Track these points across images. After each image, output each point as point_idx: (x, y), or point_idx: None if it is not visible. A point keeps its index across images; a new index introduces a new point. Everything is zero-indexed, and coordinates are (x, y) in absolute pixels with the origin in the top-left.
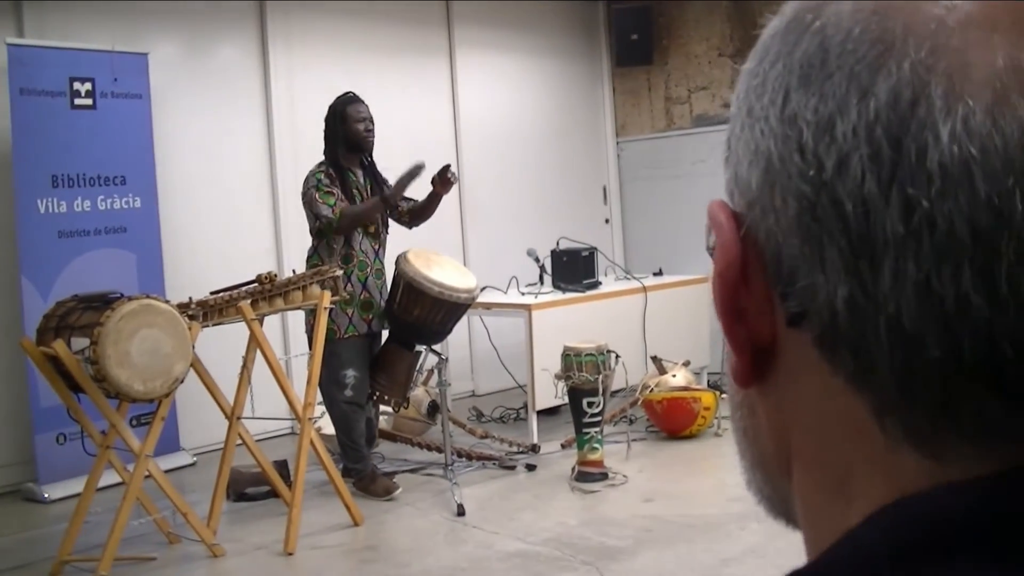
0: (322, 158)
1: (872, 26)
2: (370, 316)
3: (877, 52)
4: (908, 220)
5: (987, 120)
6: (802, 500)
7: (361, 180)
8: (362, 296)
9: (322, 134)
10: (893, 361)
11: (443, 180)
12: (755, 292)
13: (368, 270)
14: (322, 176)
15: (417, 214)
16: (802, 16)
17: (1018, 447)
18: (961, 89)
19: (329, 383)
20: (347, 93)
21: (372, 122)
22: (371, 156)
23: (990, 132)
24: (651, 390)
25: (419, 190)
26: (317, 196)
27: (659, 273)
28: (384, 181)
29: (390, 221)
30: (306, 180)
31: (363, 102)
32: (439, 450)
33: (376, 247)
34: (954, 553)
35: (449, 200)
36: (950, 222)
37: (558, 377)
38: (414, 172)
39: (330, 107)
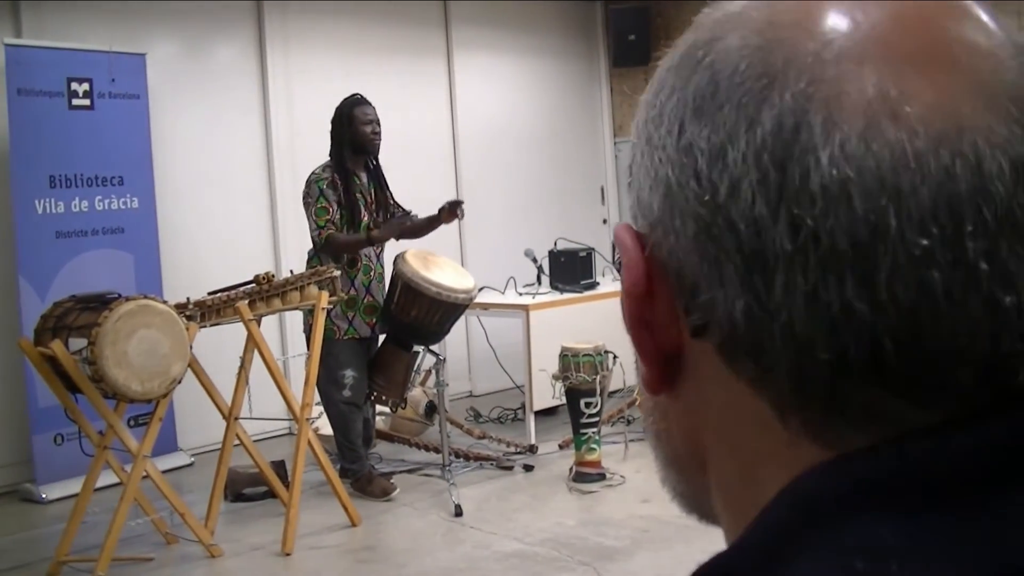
0: (325, 159)
1: (756, 61)
2: (374, 320)
3: (762, 85)
4: (795, 237)
5: (861, 144)
6: (719, 493)
7: (365, 183)
8: (366, 300)
9: (319, 133)
10: (788, 364)
11: (451, 212)
12: (660, 306)
13: (372, 274)
14: (324, 185)
15: (409, 232)
16: (694, 52)
17: (895, 427)
18: (837, 116)
19: (327, 383)
20: (354, 95)
21: (379, 124)
22: (376, 158)
23: (864, 155)
24: None
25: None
26: (315, 204)
27: None
28: (387, 185)
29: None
30: (308, 182)
31: (370, 104)
32: (437, 450)
33: (377, 250)
34: (841, 515)
35: (446, 200)
36: (832, 237)
37: (556, 377)
38: (404, 221)
39: (337, 109)
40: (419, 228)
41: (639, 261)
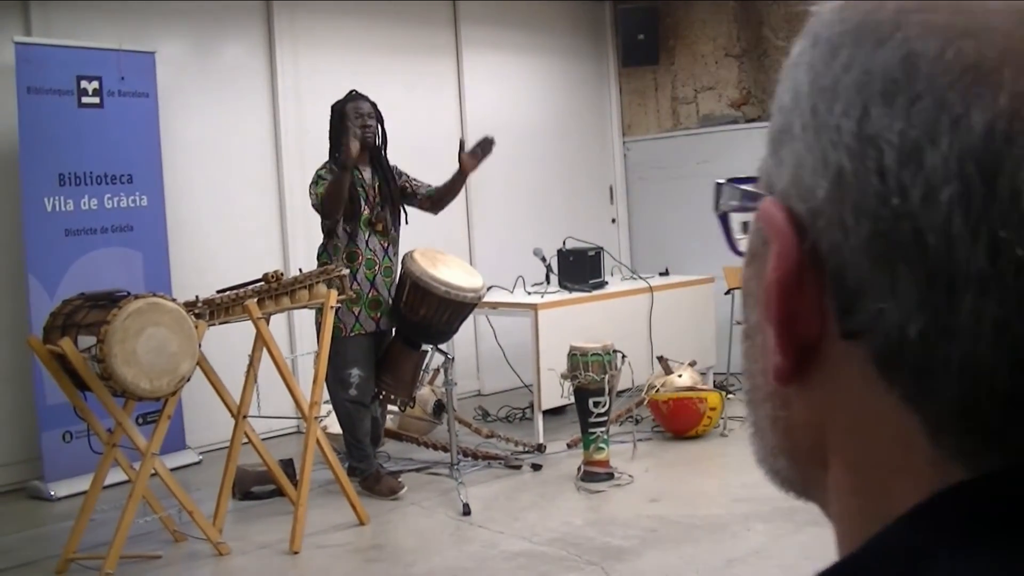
0: (326, 159)
1: (966, 49)
2: (378, 314)
3: (971, 79)
4: (994, 260)
5: None
6: (839, 499)
7: (368, 178)
8: (370, 294)
9: (327, 133)
10: (960, 391)
11: (472, 156)
12: (807, 299)
13: (377, 268)
14: (323, 172)
15: (439, 198)
16: (878, 20)
17: None
18: None
19: (333, 382)
20: (349, 91)
21: (372, 117)
22: (383, 153)
23: None
24: (657, 390)
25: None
26: (314, 190)
27: (665, 273)
28: (399, 173)
29: (403, 217)
30: (312, 178)
31: (364, 99)
32: (445, 449)
33: (385, 245)
34: (975, 543)
35: (456, 199)
36: None
37: (564, 377)
38: (354, 136)
39: (332, 107)
40: (449, 188)
41: (795, 250)
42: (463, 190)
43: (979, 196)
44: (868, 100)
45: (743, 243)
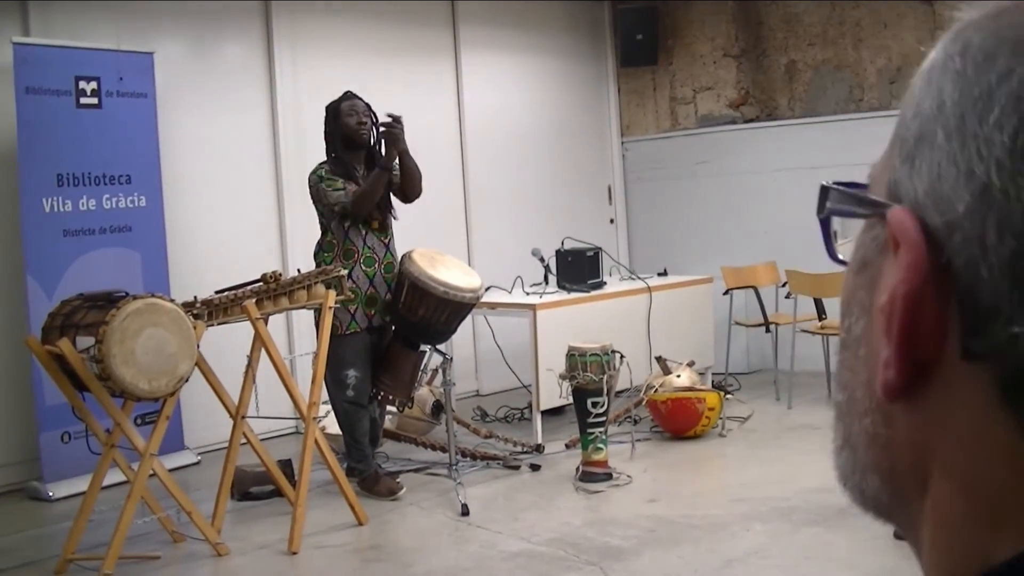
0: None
1: None
2: (373, 311)
3: None
4: None
5: None
6: (939, 524)
7: (364, 177)
8: (368, 292)
9: (323, 133)
10: None
11: (386, 132)
12: (931, 313)
13: (376, 265)
14: (323, 172)
15: (402, 184)
16: None
17: None
18: None
19: (331, 383)
20: (344, 92)
21: (366, 115)
22: (378, 150)
23: None
24: (655, 390)
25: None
26: (322, 187)
27: (664, 273)
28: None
29: (395, 209)
30: (309, 178)
31: (358, 99)
32: (443, 450)
33: (385, 240)
34: None
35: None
36: None
37: (563, 377)
38: (392, 128)
39: (326, 108)
40: (403, 171)
41: (926, 263)
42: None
43: None
44: None
45: (844, 249)
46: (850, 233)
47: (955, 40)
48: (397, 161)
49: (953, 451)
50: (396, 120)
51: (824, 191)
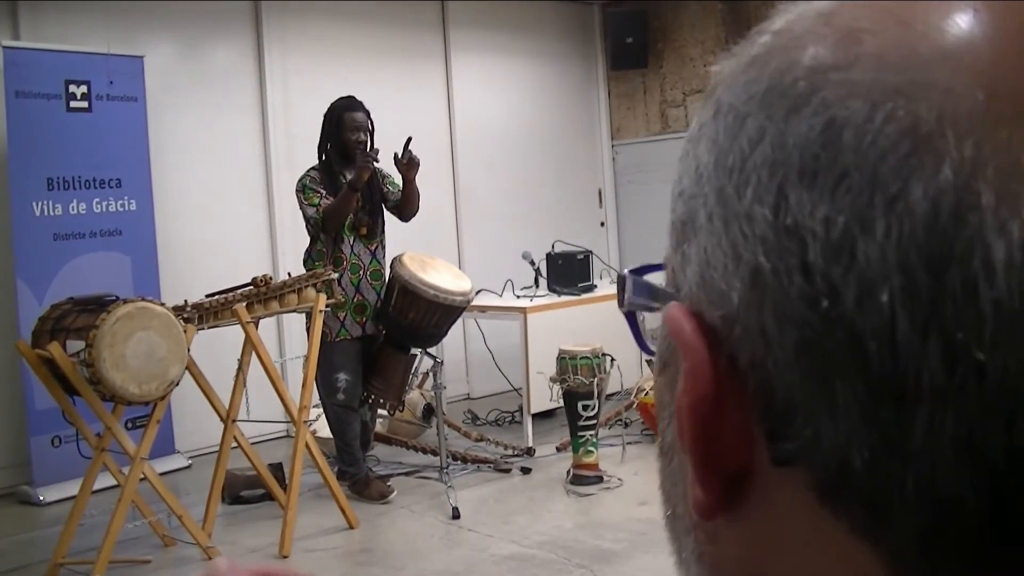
0: (316, 161)
1: (899, 112)
2: (364, 319)
3: (907, 148)
4: (951, 368)
5: None
6: None
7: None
8: (355, 299)
9: (316, 136)
10: (920, 522)
11: (407, 163)
12: (729, 423)
13: (361, 273)
14: (307, 181)
15: (401, 207)
16: (790, 85)
17: None
18: (1017, 199)
19: (322, 387)
20: (347, 98)
21: (368, 131)
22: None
23: None
24: (646, 393)
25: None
26: (302, 197)
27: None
28: (381, 178)
29: (386, 220)
30: (296, 185)
31: (362, 109)
32: (434, 453)
33: (372, 248)
34: None
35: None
36: (1004, 372)
37: (553, 380)
38: (367, 157)
39: (329, 107)
40: (406, 196)
41: (707, 366)
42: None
43: (926, 291)
44: (784, 182)
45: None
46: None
47: (707, 104)
48: (401, 182)
49: (785, 562)
50: (408, 154)
51: (621, 281)
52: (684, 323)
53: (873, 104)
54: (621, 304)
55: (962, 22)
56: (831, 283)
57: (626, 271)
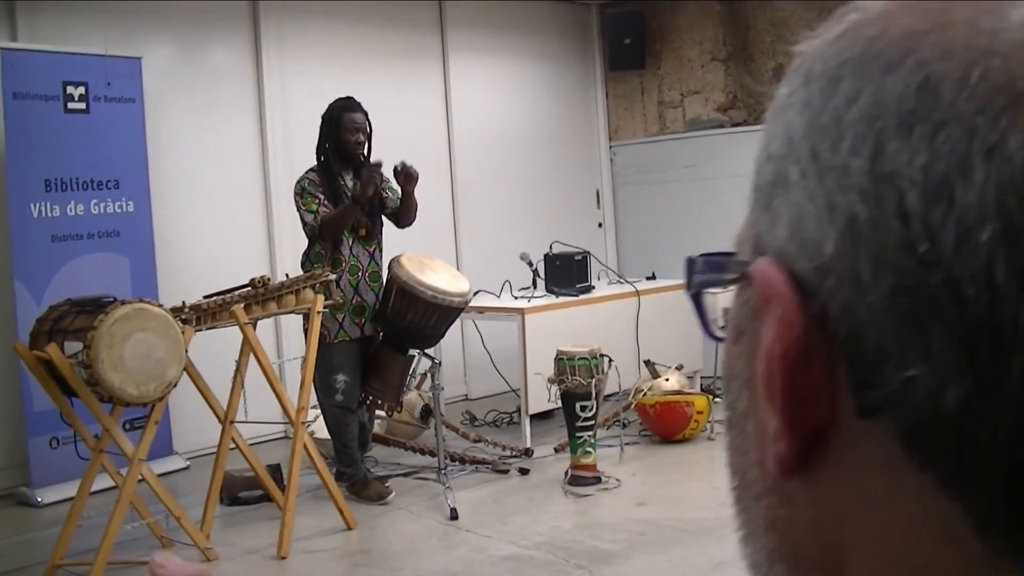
0: (315, 162)
1: (994, 69)
2: (362, 320)
3: (1004, 102)
4: None
5: None
6: None
7: (350, 186)
8: (354, 300)
9: (314, 138)
10: (1010, 473)
11: (404, 176)
12: (814, 372)
13: (360, 274)
14: (306, 183)
15: (399, 215)
16: (884, 48)
17: None
18: None
19: (320, 388)
20: (346, 98)
21: (366, 133)
22: (367, 161)
23: None
24: (644, 394)
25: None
26: (301, 202)
27: (652, 277)
28: (381, 179)
29: (384, 221)
30: (295, 187)
31: (360, 110)
32: (432, 454)
33: (371, 250)
34: None
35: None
36: None
37: (551, 381)
38: (373, 171)
39: (328, 108)
40: (405, 207)
41: (798, 314)
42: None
43: None
44: (881, 134)
45: (721, 324)
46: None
47: (795, 74)
48: (400, 192)
49: (865, 522)
50: (407, 167)
51: (690, 264)
52: (774, 275)
53: (968, 63)
54: (688, 287)
55: None
56: (929, 227)
57: (694, 256)
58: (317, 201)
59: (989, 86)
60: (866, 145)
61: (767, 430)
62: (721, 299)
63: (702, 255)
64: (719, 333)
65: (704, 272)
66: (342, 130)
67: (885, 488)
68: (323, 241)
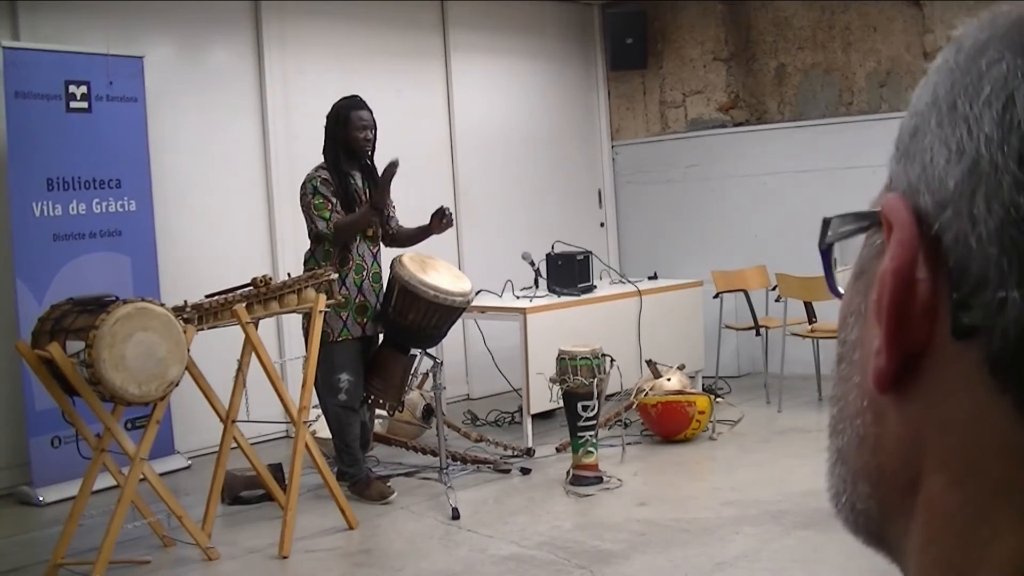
0: (320, 160)
1: None
2: (365, 320)
3: None
4: None
5: None
6: (932, 521)
7: (360, 184)
8: (357, 300)
9: (316, 137)
10: None
11: (440, 221)
12: (922, 294)
13: (365, 274)
14: (318, 183)
15: (400, 239)
16: None
17: None
18: None
19: (323, 387)
20: (352, 97)
21: (373, 130)
22: (372, 160)
23: None
24: (646, 394)
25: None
26: (313, 206)
27: (654, 277)
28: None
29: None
30: (303, 184)
31: (367, 108)
32: (434, 454)
33: (374, 251)
34: None
35: (444, 203)
36: None
37: (553, 381)
38: (390, 171)
39: (333, 107)
40: (412, 236)
41: (915, 239)
42: (452, 195)
43: None
44: (1015, 91)
45: (843, 278)
46: (849, 262)
47: (950, 45)
48: (422, 231)
49: (945, 441)
50: (449, 218)
51: (826, 223)
52: (899, 204)
53: None
54: (821, 243)
55: None
56: None
57: (831, 215)
58: (330, 206)
59: None
60: (999, 99)
61: (870, 351)
62: (844, 276)
63: (838, 215)
64: (841, 290)
65: (839, 227)
66: (350, 128)
67: (968, 409)
68: (335, 246)
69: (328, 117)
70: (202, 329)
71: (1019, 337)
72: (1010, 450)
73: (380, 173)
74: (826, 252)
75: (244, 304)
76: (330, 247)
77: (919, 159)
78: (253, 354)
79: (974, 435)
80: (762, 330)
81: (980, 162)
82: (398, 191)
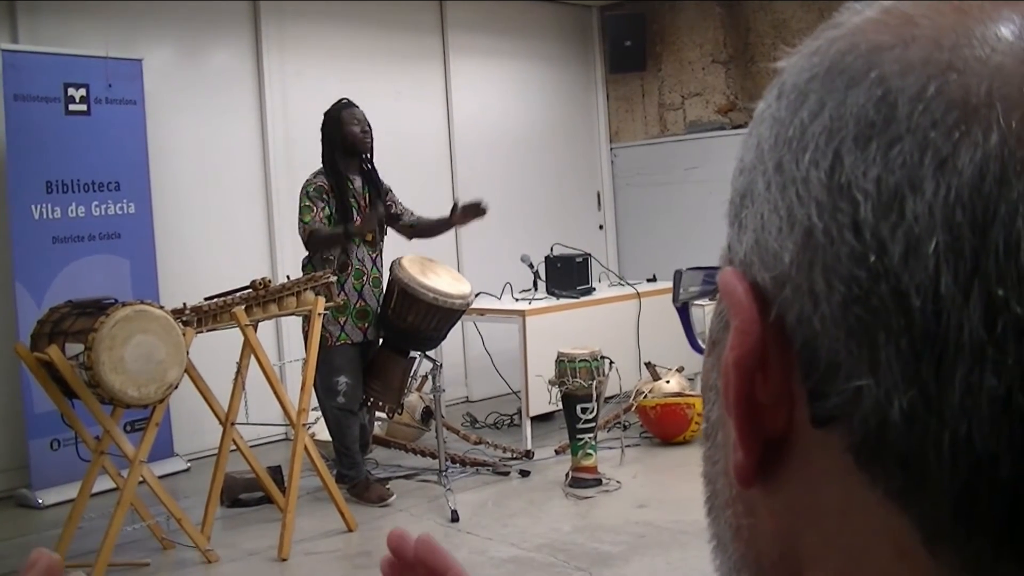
0: (318, 163)
1: (950, 85)
2: (366, 324)
3: (957, 116)
4: (991, 325)
5: None
6: None
7: (359, 187)
8: (357, 305)
9: (315, 139)
10: (954, 483)
11: (464, 214)
12: (772, 382)
13: (364, 279)
14: (311, 188)
15: (422, 231)
16: (850, 64)
17: None
18: None
19: (321, 390)
20: (341, 99)
21: (368, 125)
22: (371, 161)
23: None
24: (645, 396)
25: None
26: (299, 210)
27: (653, 279)
28: (386, 190)
29: (388, 230)
30: (303, 188)
31: (357, 107)
32: (433, 456)
33: (373, 255)
34: None
35: (443, 206)
36: None
37: (552, 383)
38: (379, 215)
39: (325, 114)
40: (433, 227)
41: (755, 324)
42: (451, 197)
43: (970, 248)
44: (840, 147)
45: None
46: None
47: (772, 89)
48: (444, 222)
49: (819, 535)
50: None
51: (677, 276)
52: (736, 284)
53: (927, 78)
54: (675, 299)
55: (1016, 12)
56: (880, 239)
57: (682, 268)
58: (313, 210)
59: (944, 101)
60: (825, 158)
61: (730, 439)
62: (708, 311)
63: (689, 268)
64: (703, 345)
65: (690, 284)
66: (346, 125)
67: (838, 500)
68: (307, 251)
69: (323, 124)
70: (201, 331)
71: (881, 424)
72: (888, 542)
73: (379, 184)
74: (682, 309)
75: (243, 307)
76: (330, 253)
77: (751, 227)
78: (252, 357)
79: (849, 527)
80: None
81: (814, 232)
82: (398, 193)
